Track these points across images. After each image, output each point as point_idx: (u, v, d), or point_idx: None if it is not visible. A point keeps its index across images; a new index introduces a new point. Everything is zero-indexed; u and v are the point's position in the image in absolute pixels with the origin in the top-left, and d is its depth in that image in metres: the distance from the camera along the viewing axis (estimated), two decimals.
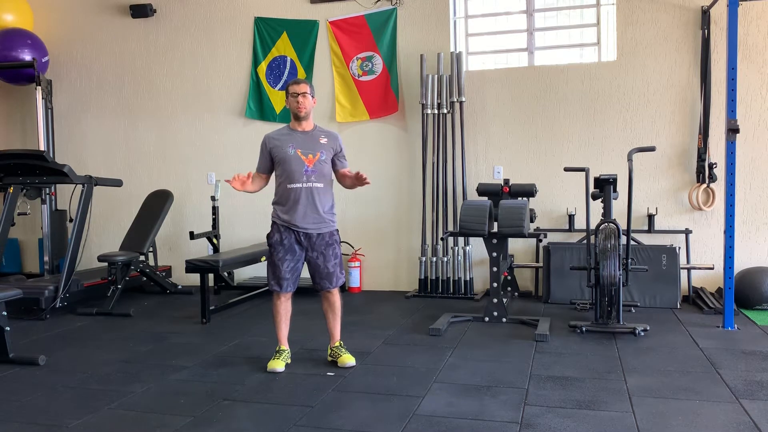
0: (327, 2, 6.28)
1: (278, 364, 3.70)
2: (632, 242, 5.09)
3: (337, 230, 3.81)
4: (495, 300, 4.79)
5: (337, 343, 3.84)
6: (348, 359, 3.76)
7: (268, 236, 3.75)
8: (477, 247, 5.85)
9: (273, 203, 3.75)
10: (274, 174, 3.78)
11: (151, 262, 6.27)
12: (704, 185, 5.47)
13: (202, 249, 6.44)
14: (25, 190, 5.79)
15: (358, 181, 3.71)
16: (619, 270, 4.34)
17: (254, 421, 2.97)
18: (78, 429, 2.93)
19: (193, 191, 6.76)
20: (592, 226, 4.72)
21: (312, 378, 3.58)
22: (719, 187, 5.39)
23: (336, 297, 3.81)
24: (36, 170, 5.56)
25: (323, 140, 3.73)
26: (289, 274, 3.69)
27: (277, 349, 3.80)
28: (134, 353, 4.18)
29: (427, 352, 4.06)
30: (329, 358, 3.86)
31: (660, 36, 5.58)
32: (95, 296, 5.70)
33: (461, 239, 5.92)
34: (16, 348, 4.07)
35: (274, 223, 3.72)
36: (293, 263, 3.69)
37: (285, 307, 3.78)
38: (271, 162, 3.73)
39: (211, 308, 5.10)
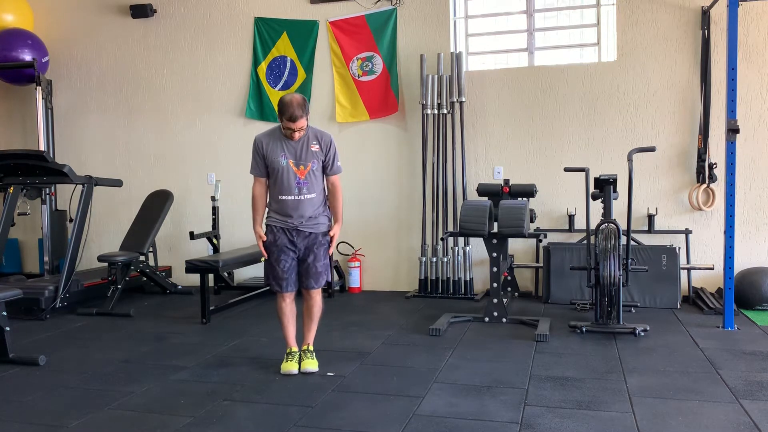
0: (327, 2, 6.28)
1: (292, 366, 3.68)
2: (632, 242, 5.09)
3: (328, 232, 3.78)
4: (495, 300, 4.79)
5: (305, 346, 3.79)
6: (309, 365, 3.70)
7: None
8: (477, 247, 5.85)
9: (267, 204, 3.77)
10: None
11: (151, 263, 6.27)
12: (704, 185, 5.47)
13: (202, 249, 6.44)
14: (25, 190, 5.79)
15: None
16: (619, 270, 4.34)
17: (254, 421, 2.97)
18: (78, 429, 2.93)
19: (193, 191, 6.75)
20: (592, 226, 4.72)
21: (312, 378, 3.59)
22: (719, 187, 5.39)
23: (317, 300, 3.79)
24: (36, 170, 5.56)
25: (314, 147, 3.66)
26: (287, 274, 3.68)
27: (288, 351, 3.76)
28: (134, 353, 4.18)
29: (427, 352, 4.06)
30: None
31: (660, 36, 5.58)
32: (95, 296, 5.70)
33: (461, 239, 5.92)
34: (16, 348, 4.07)
35: (267, 225, 3.74)
36: (289, 262, 3.69)
37: (291, 308, 3.77)
38: (266, 166, 3.71)
39: (211, 308, 5.10)
